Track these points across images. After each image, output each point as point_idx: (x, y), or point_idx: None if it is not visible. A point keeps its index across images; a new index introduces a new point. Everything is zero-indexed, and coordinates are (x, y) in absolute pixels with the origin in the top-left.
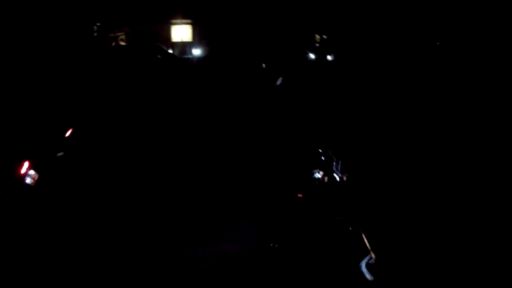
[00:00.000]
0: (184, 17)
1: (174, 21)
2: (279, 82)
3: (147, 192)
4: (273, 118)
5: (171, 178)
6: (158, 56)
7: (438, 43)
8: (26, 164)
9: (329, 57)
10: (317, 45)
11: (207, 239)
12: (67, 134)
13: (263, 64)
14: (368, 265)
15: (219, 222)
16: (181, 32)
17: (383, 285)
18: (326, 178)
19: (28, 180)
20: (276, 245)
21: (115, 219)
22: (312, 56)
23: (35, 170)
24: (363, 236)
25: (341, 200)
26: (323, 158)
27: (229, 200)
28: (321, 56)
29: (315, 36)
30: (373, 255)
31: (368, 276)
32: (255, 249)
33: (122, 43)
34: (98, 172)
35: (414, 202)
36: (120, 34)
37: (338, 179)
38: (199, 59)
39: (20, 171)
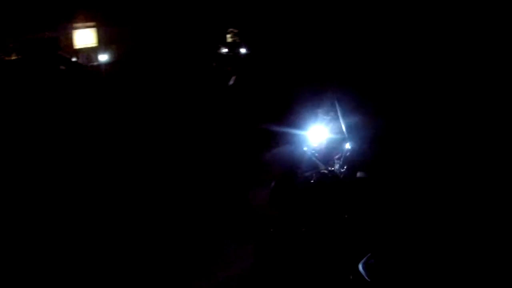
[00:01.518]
0: (86, 20)
1: (75, 25)
2: (232, 81)
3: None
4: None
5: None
6: (61, 67)
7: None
8: None
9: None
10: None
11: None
12: None
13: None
14: (367, 266)
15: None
16: (84, 37)
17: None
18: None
19: None
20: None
21: None
22: (224, 50)
23: None
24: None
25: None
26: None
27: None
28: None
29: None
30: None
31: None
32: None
33: (15, 55)
34: None
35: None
36: (12, 44)
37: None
38: (110, 64)
39: None
